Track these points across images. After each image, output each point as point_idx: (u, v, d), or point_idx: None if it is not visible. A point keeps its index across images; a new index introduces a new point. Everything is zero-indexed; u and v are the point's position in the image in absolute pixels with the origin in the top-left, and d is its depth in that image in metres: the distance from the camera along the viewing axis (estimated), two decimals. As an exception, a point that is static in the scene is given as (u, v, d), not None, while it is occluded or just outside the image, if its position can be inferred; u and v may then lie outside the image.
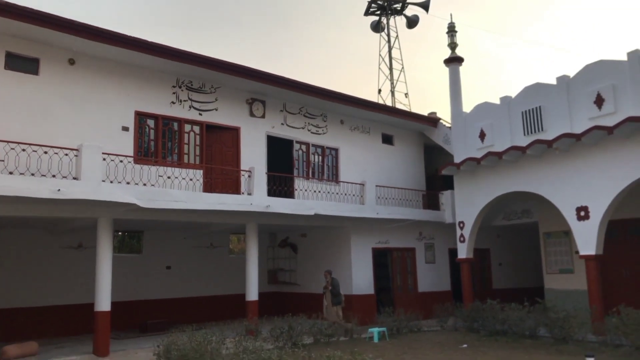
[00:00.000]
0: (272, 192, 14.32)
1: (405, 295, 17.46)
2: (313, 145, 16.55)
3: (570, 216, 13.43)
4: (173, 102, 13.69)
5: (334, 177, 16.87)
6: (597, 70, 13.12)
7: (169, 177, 12.81)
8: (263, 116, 15.38)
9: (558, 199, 13.78)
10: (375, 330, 13.22)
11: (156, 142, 13.29)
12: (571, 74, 13.82)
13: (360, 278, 16.49)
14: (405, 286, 17.73)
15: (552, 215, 15.20)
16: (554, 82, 14.15)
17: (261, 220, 14.52)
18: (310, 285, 17.55)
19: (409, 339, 13.44)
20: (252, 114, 15.15)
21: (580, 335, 11.88)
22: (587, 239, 12.98)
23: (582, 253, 13.14)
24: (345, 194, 16.27)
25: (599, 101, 12.93)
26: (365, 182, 16.38)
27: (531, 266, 19.86)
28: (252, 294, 14.09)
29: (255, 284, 14.21)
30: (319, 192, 15.83)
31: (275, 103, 15.71)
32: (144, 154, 13.07)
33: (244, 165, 14.41)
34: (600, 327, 11.82)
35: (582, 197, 13.19)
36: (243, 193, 13.82)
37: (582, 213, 13.13)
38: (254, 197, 13.48)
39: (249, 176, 13.79)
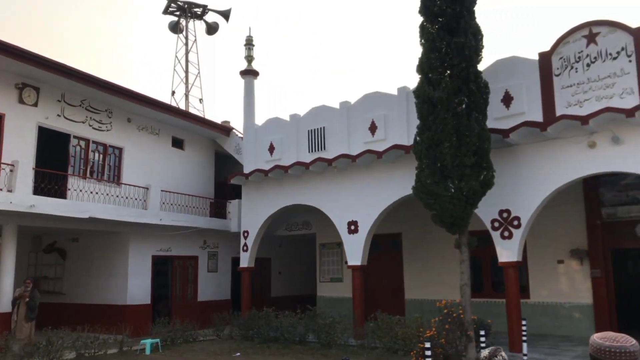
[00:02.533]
0: (39, 191, 12.79)
1: (184, 305, 17.07)
2: (94, 142, 15.26)
3: (342, 229, 14.63)
4: None
5: (116, 179, 15.77)
6: (373, 100, 14.60)
7: None
8: (35, 104, 13.70)
9: (333, 213, 14.91)
10: (147, 342, 12.61)
11: None
12: (355, 98, 15.10)
13: (136, 287, 15.62)
14: (184, 295, 17.33)
15: (328, 228, 16.37)
16: (338, 106, 15.34)
17: (24, 221, 12.84)
18: (79, 295, 16.07)
19: (183, 349, 13.12)
20: (21, 101, 13.38)
21: (343, 339, 12.93)
22: (355, 251, 14.27)
23: (350, 263, 14.39)
24: (127, 198, 15.31)
25: (373, 128, 14.39)
26: (150, 185, 15.66)
27: (308, 275, 21.10)
28: (2, 305, 12.31)
29: (8, 293, 12.44)
30: (97, 193, 14.62)
31: (51, 91, 14.12)
32: None
33: (7, 157, 12.61)
34: (360, 331, 13.03)
35: (353, 212, 14.47)
36: (2, 189, 12.05)
37: (353, 227, 14.41)
38: (16, 194, 11.88)
39: (11, 170, 12.11)
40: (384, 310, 13.09)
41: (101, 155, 15.47)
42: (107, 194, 14.87)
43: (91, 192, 14.42)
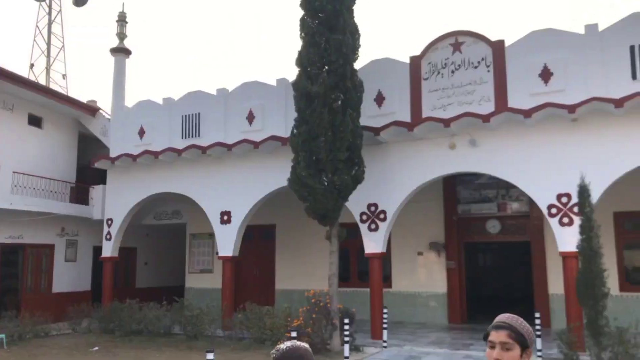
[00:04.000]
0: None
1: (36, 297, 15.63)
2: None
3: (215, 219, 14.34)
4: None
5: (-43, 156, 13.98)
6: (252, 89, 14.44)
7: None
8: None
9: (206, 203, 14.55)
10: (-10, 339, 11.38)
11: None
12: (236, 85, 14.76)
13: (-21, 278, 14.02)
14: (37, 286, 15.88)
15: (200, 218, 15.95)
16: (215, 92, 14.96)
17: None
18: None
19: (33, 345, 12.04)
20: None
21: (210, 331, 12.70)
22: (227, 242, 14.06)
23: (221, 254, 14.17)
24: (-29, 178, 13.64)
25: (250, 117, 14.24)
26: (0, 166, 14.09)
27: (177, 266, 20.42)
28: None
29: None
30: None
31: None
32: None
33: None
34: (228, 322, 12.90)
35: (227, 202, 14.24)
36: None
37: (226, 217, 14.18)
38: None
39: None
40: (254, 300, 13.10)
41: (-61, 129, 13.62)
42: (-54, 173, 13.13)
43: None
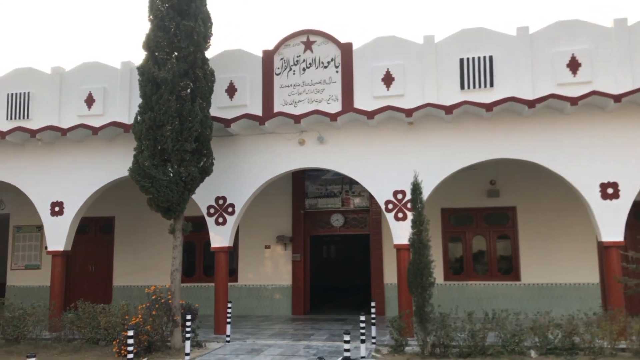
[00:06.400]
0: None
1: None
2: None
3: (44, 211, 13.00)
4: None
5: None
6: (93, 70, 13.29)
7: None
8: None
9: (34, 192, 13.13)
10: None
11: None
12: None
13: None
14: None
15: (26, 208, 14.40)
16: (50, 71, 13.56)
17: None
18: None
19: None
20: None
21: (35, 333, 11.53)
22: (58, 235, 12.83)
23: (50, 249, 12.90)
24: None
25: (90, 101, 13.13)
26: None
27: (-3, 262, 18.23)
28: None
29: None
30: None
31: None
32: None
33: None
34: (57, 323, 11.80)
35: (59, 192, 12.98)
36: None
37: (57, 208, 12.93)
38: None
39: None
40: (89, 298, 12.19)
41: None
42: None
43: None
